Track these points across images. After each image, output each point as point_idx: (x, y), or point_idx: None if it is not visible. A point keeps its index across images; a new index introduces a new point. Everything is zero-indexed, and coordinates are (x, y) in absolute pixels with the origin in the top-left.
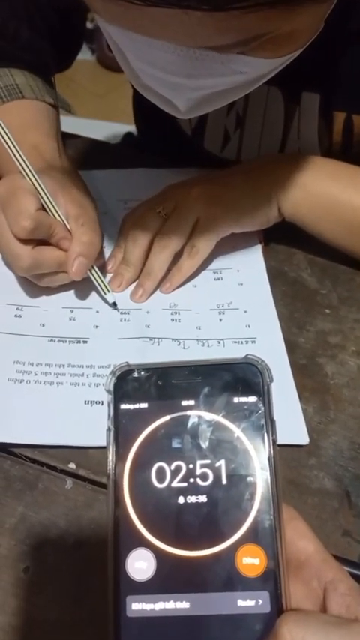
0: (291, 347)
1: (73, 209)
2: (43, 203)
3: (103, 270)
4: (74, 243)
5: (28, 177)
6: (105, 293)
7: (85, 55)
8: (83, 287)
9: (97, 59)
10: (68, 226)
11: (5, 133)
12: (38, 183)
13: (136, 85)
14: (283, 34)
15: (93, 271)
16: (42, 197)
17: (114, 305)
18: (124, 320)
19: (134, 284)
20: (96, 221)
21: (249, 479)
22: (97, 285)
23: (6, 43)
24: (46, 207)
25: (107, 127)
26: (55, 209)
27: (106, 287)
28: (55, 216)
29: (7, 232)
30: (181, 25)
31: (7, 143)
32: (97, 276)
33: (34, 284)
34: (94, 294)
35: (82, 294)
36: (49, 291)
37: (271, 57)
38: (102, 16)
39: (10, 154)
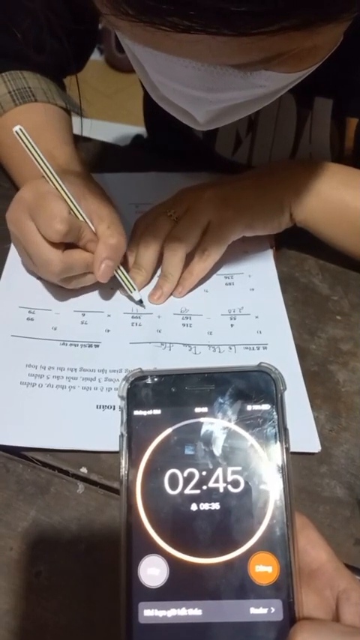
0: (302, 353)
1: (96, 212)
2: (69, 207)
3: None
4: (100, 246)
5: (52, 182)
6: (131, 291)
7: (93, 55)
8: (95, 291)
9: (105, 59)
10: (93, 229)
11: (27, 138)
12: (62, 187)
13: (155, 96)
14: (303, 50)
15: (119, 270)
16: (67, 201)
17: (140, 302)
18: (136, 324)
19: (146, 287)
20: (120, 223)
21: (262, 487)
22: (123, 284)
23: (28, 50)
24: (72, 211)
25: (115, 128)
26: (80, 212)
27: (132, 285)
28: (80, 219)
29: (37, 238)
30: (206, 46)
31: (28, 148)
32: (122, 275)
33: (46, 287)
34: (105, 297)
35: (94, 298)
36: (62, 294)
37: (291, 71)
38: (126, 35)
39: (33, 158)
